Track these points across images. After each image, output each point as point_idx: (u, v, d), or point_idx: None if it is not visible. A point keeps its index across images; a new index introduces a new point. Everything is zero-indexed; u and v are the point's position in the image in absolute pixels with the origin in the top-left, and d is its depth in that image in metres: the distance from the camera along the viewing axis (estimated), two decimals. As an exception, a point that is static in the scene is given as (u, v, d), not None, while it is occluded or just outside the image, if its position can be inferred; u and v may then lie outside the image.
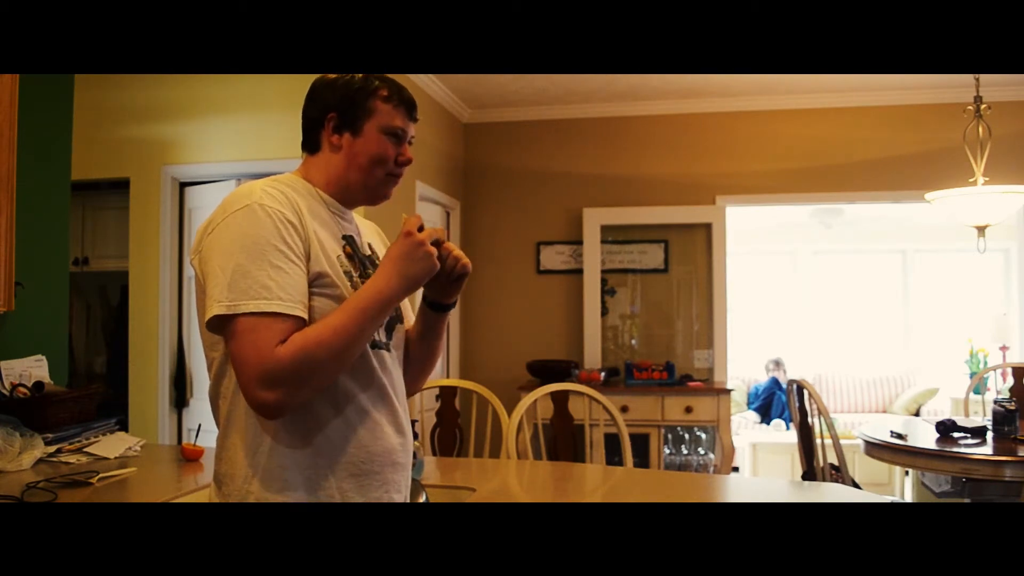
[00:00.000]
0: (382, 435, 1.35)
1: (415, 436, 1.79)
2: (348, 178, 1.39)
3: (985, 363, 6.27)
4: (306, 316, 1.24)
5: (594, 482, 2.36)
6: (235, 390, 1.27)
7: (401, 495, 1.41)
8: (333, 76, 1.39)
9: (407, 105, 1.40)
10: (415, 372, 1.53)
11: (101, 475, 2.02)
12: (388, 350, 1.40)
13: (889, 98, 4.94)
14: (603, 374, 4.83)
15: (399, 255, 1.29)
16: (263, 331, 1.19)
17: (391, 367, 1.40)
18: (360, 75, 1.38)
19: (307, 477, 1.28)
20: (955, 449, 3.11)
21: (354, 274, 1.35)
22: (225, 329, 1.22)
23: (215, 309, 1.20)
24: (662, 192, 5.20)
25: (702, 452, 5.11)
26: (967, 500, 3.76)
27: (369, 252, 1.45)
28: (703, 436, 5.12)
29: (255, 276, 1.20)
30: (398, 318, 1.45)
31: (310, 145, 1.42)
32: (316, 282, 1.27)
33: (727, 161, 5.17)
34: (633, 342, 5.27)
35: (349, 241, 1.39)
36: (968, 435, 3.30)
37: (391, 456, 1.37)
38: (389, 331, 1.42)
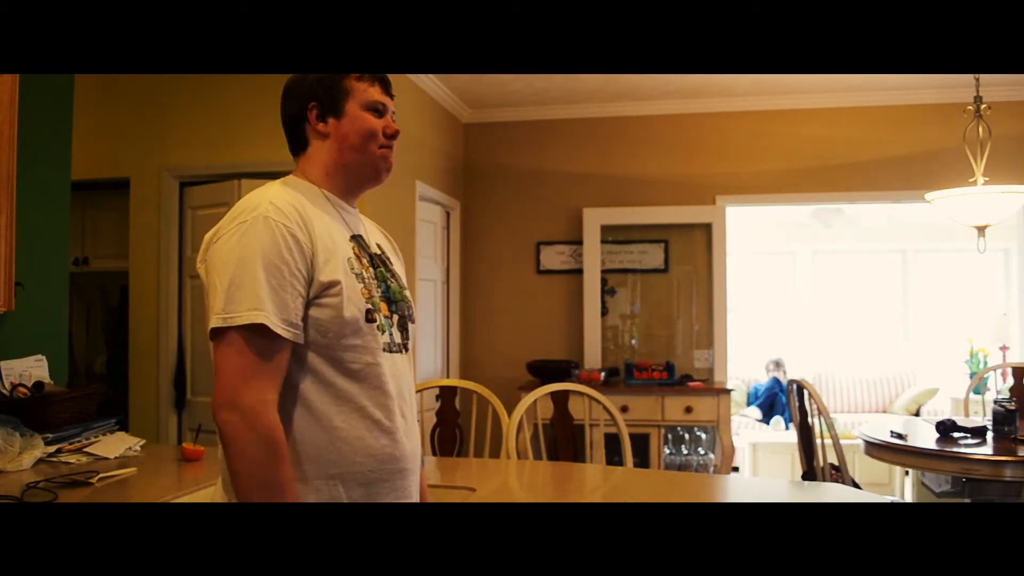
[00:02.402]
0: (391, 442, 1.32)
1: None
2: (344, 161, 1.39)
3: (985, 363, 6.27)
4: (297, 339, 1.24)
5: (594, 482, 2.36)
6: None
7: (410, 500, 1.38)
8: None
9: (381, 80, 1.41)
10: None
11: (101, 475, 2.02)
12: (403, 352, 1.39)
13: (889, 98, 4.94)
14: (603, 374, 4.83)
15: None
16: (251, 355, 1.20)
17: (403, 370, 1.38)
18: None
19: (315, 488, 1.26)
20: (955, 449, 3.11)
21: (364, 275, 1.34)
22: (219, 340, 1.22)
23: (212, 321, 1.22)
24: (662, 192, 5.20)
25: (702, 452, 5.11)
26: (967, 500, 3.77)
27: (378, 251, 1.44)
28: (703, 436, 5.12)
29: (250, 288, 1.20)
30: (409, 317, 1.43)
31: (298, 144, 1.43)
32: (325, 292, 1.27)
33: (727, 161, 5.16)
34: (633, 342, 5.27)
35: (358, 241, 1.39)
36: (968, 435, 3.30)
37: (401, 463, 1.34)
38: (403, 330, 1.40)
